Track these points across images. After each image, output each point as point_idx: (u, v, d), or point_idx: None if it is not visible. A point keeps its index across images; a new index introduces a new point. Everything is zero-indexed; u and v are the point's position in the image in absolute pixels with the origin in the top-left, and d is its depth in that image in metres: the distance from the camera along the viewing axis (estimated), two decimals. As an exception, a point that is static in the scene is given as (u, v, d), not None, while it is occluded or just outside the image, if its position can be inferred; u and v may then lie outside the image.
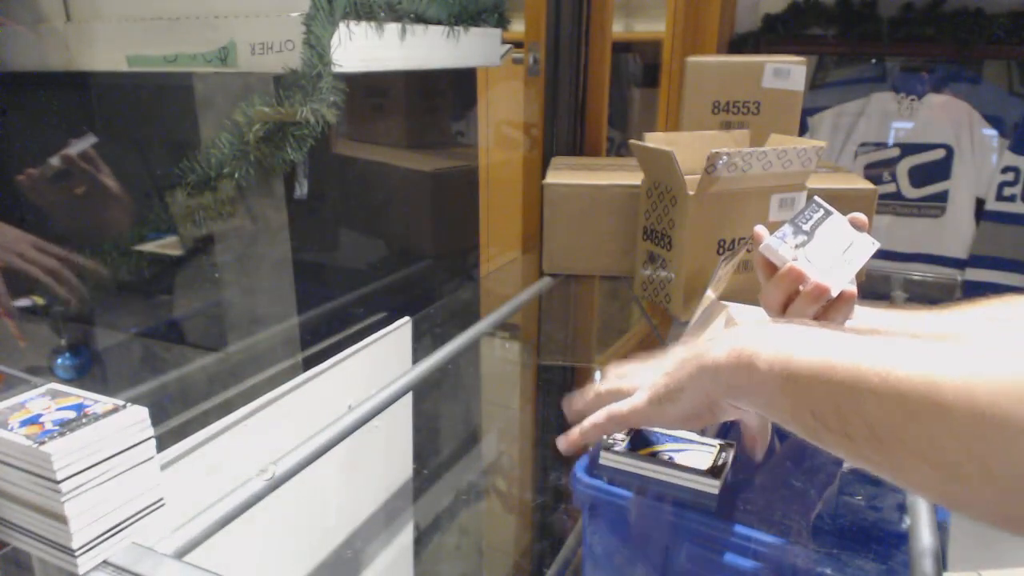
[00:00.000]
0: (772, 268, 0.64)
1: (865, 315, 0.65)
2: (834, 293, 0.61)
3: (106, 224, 0.84)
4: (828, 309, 0.62)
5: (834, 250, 0.64)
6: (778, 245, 0.64)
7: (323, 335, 1.00)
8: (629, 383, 0.57)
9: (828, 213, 0.66)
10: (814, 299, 0.61)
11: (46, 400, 0.51)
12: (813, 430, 0.42)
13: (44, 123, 0.88)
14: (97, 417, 0.49)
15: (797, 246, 0.64)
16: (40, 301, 0.80)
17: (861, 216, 0.65)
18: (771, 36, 1.94)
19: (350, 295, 1.15)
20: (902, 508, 0.61)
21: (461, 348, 0.98)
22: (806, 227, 0.64)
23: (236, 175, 0.79)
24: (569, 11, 1.37)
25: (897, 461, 0.38)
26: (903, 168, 1.93)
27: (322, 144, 0.87)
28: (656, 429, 0.68)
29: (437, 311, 1.22)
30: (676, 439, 0.66)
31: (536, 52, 1.39)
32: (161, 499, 0.53)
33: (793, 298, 0.62)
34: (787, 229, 0.64)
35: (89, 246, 0.81)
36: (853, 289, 0.63)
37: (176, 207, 0.82)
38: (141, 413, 0.50)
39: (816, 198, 0.66)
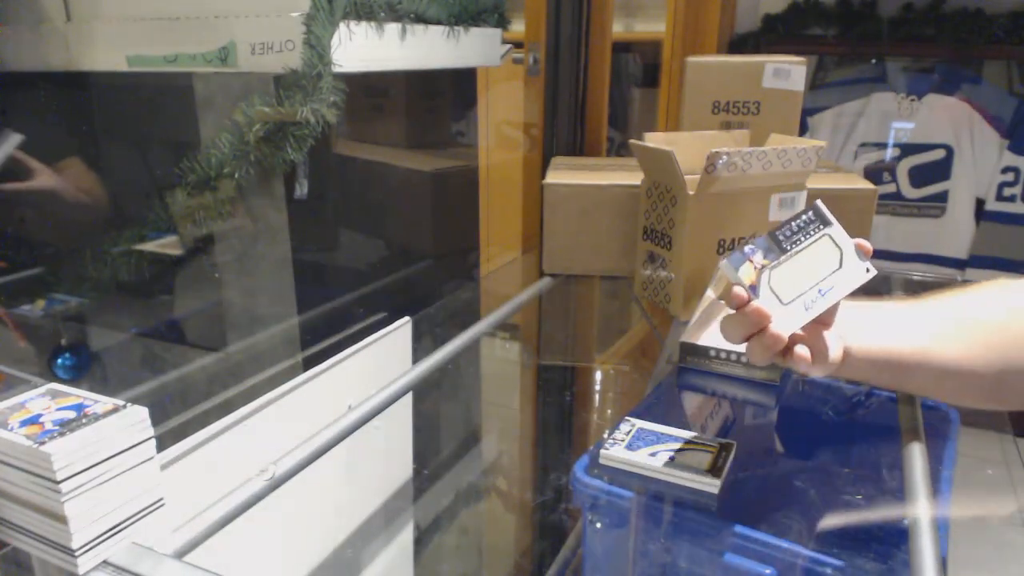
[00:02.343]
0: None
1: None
2: (785, 336, 0.53)
3: (67, 227, 0.83)
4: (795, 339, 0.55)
5: (810, 276, 0.55)
6: (738, 263, 0.54)
7: (323, 335, 1.00)
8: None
9: (825, 224, 0.57)
10: (765, 348, 0.54)
11: (46, 400, 0.51)
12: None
13: (44, 123, 0.88)
14: (97, 417, 0.49)
15: (764, 266, 0.55)
16: (41, 304, 0.80)
17: (866, 244, 0.57)
18: (771, 36, 1.95)
19: (350, 295, 1.15)
20: (902, 508, 0.61)
21: (461, 348, 0.98)
22: (788, 241, 0.56)
23: (236, 175, 0.79)
24: (569, 11, 1.37)
25: None
26: (903, 168, 1.94)
27: (322, 144, 0.87)
28: (656, 429, 0.68)
29: (437, 311, 1.22)
30: (676, 439, 0.66)
31: (536, 52, 1.39)
32: (161, 499, 0.53)
33: (754, 335, 0.55)
34: (760, 242, 0.55)
35: (58, 249, 0.80)
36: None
37: (176, 207, 0.82)
38: (141, 413, 0.50)
39: (818, 203, 0.58)
